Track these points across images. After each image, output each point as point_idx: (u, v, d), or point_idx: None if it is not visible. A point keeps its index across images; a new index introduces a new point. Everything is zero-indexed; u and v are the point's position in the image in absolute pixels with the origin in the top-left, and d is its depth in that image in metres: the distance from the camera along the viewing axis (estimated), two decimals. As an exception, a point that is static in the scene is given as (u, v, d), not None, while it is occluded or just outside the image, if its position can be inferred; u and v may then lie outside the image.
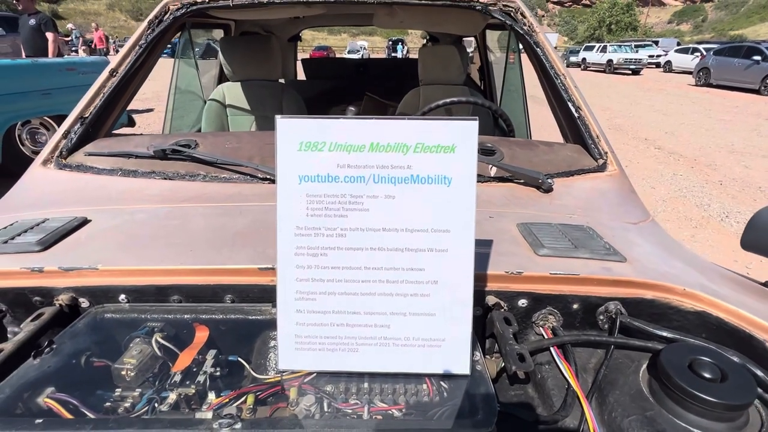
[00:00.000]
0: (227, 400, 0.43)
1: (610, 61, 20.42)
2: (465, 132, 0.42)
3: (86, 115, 1.06)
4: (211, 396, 0.44)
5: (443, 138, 0.42)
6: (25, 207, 0.84)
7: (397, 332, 0.44)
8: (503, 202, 0.84)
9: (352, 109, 1.09)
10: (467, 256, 0.43)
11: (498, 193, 0.87)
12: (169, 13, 1.21)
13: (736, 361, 0.47)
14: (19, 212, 0.81)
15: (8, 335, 0.58)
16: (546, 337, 0.56)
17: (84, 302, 0.57)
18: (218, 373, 0.47)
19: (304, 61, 2.80)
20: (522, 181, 0.89)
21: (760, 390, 0.45)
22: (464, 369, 0.44)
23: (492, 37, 2.21)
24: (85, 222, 0.72)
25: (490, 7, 1.19)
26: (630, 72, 19.90)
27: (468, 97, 1.22)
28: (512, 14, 1.19)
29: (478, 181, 0.86)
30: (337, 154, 0.42)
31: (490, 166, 0.90)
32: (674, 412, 0.45)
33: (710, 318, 0.54)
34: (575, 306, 0.58)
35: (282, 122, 0.42)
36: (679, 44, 29.41)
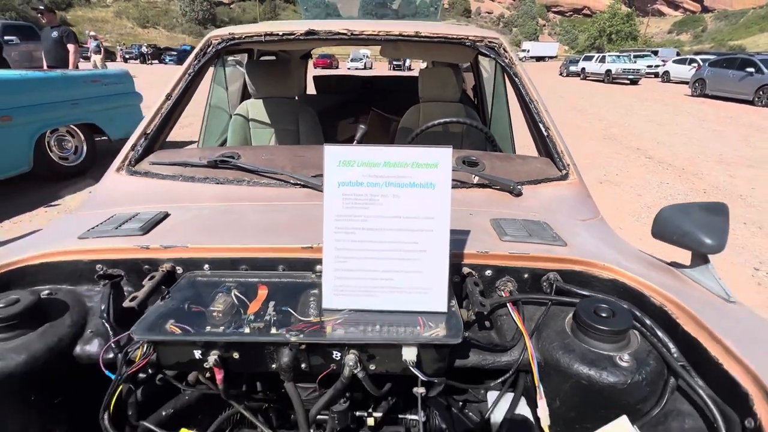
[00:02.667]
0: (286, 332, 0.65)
1: (608, 71, 20.76)
2: (443, 155, 0.66)
3: (148, 131, 1.31)
4: (273, 330, 0.67)
5: (429, 159, 0.66)
6: (111, 204, 1.09)
7: (399, 283, 0.68)
8: (481, 203, 1.08)
9: (362, 127, 1.32)
10: (444, 233, 0.67)
11: (478, 196, 1.11)
12: (212, 46, 1.48)
13: (623, 307, 0.71)
14: (108, 208, 1.05)
15: (125, 292, 0.82)
16: (504, 296, 0.79)
17: (179, 269, 0.81)
18: (275, 318, 0.70)
19: (315, 77, 3.07)
20: (498, 187, 1.13)
21: (635, 323, 0.68)
22: (443, 308, 0.68)
23: (484, 59, 2.47)
24: (167, 215, 0.96)
25: (477, 43, 1.45)
26: (628, 82, 20.23)
27: (459, 118, 1.46)
28: (496, 49, 1.45)
29: (462, 187, 1.11)
30: (362, 168, 0.66)
31: (473, 175, 1.14)
32: (582, 339, 0.68)
33: (618, 283, 0.78)
34: (526, 275, 0.82)
35: (328, 148, 0.66)
36: (678, 54, 29.77)
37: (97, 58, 10.78)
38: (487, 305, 0.72)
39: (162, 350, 0.66)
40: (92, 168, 4.26)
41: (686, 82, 16.07)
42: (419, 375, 0.63)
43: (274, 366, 0.66)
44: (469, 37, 1.45)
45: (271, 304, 0.71)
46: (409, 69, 29.62)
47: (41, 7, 5.94)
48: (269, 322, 0.67)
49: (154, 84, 4.96)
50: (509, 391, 0.79)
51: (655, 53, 29.45)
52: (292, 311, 0.70)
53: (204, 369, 0.67)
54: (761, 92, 11.80)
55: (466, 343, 0.73)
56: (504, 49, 1.45)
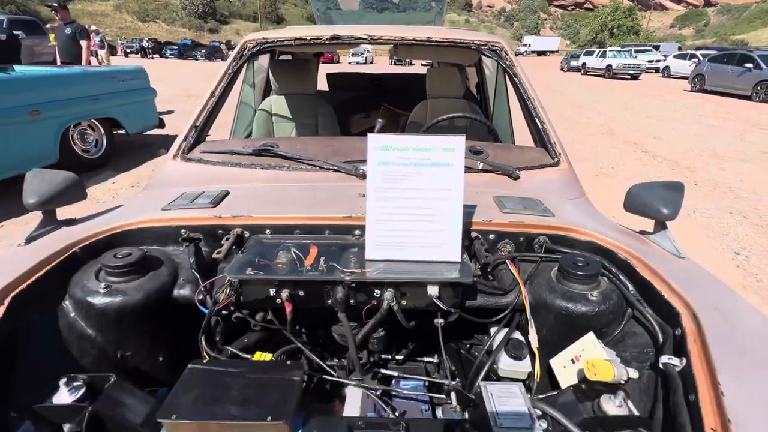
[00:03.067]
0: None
1: (609, 66, 20.85)
2: (459, 141, 0.87)
3: (197, 124, 1.52)
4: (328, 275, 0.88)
5: (448, 145, 0.87)
6: (173, 185, 1.29)
7: (424, 240, 0.89)
8: (485, 185, 1.29)
9: (380, 121, 1.52)
10: (459, 201, 0.88)
11: (482, 180, 1.32)
12: (247, 49, 1.68)
13: (595, 259, 0.92)
14: (172, 188, 1.25)
15: (203, 251, 1.03)
16: (504, 254, 1.00)
17: (246, 233, 1.02)
18: (326, 268, 0.90)
19: (328, 74, 3.26)
20: (499, 172, 1.34)
21: (604, 270, 0.90)
22: (457, 258, 0.89)
23: (487, 59, 2.67)
24: (228, 192, 1.17)
25: (481, 47, 1.65)
26: (629, 77, 20.32)
27: (466, 113, 1.67)
28: (498, 51, 1.65)
29: (469, 172, 1.32)
30: (396, 152, 0.87)
31: (479, 162, 1.35)
32: (563, 283, 0.90)
33: (593, 244, 0.99)
34: (521, 239, 1.03)
35: (371, 136, 0.87)
36: (680, 48, 29.73)
37: (102, 53, 10.89)
38: (490, 258, 0.93)
39: (245, 289, 0.87)
40: (112, 160, 4.46)
41: (687, 78, 16.19)
42: (441, 305, 0.84)
43: (329, 301, 0.88)
44: (474, 41, 1.66)
45: (322, 258, 0.92)
46: (410, 64, 29.68)
47: (55, 4, 6.10)
48: (322, 271, 0.88)
49: (160, 78, 5.14)
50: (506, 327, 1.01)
51: (657, 48, 29.47)
52: (336, 265, 0.90)
53: (276, 305, 0.88)
54: (759, 88, 11.95)
55: (475, 288, 0.94)
56: (505, 52, 1.65)
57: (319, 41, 1.68)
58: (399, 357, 1.05)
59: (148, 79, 5.01)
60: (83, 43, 6.18)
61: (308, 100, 2.28)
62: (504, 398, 0.68)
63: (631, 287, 0.88)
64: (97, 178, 4.01)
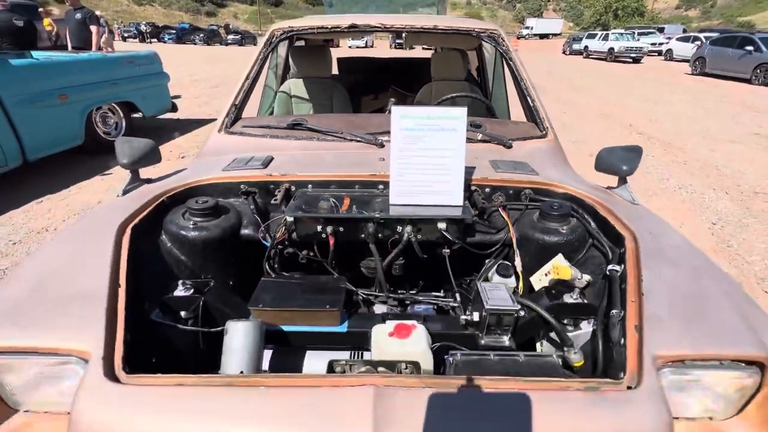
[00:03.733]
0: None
1: (611, 49, 20.73)
2: (462, 111, 1.12)
3: (237, 103, 1.77)
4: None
5: (454, 114, 1.12)
6: (221, 153, 1.55)
7: (435, 188, 1.15)
8: (484, 152, 1.54)
9: (393, 100, 1.76)
10: (462, 158, 1.14)
11: (481, 148, 1.57)
12: (276, 37, 1.91)
13: (566, 203, 1.19)
14: (222, 156, 1.51)
15: (257, 201, 1.29)
16: (497, 203, 1.27)
17: (293, 188, 1.29)
18: (359, 212, 1.17)
19: (339, 59, 3.47)
20: (495, 142, 1.59)
21: (573, 212, 1.16)
22: (460, 202, 1.16)
23: (487, 45, 2.89)
24: (272, 158, 1.43)
25: (481, 34, 1.89)
26: (631, 60, 20.24)
27: (467, 93, 1.91)
28: (495, 38, 1.88)
29: (469, 142, 1.58)
30: (414, 120, 1.13)
31: (478, 134, 1.61)
32: (542, 222, 1.17)
33: (568, 195, 1.26)
34: (511, 191, 1.29)
35: (395, 108, 1.13)
36: (685, 31, 29.34)
37: (104, 38, 10.96)
38: (486, 205, 1.20)
39: (299, 226, 1.14)
40: (131, 142, 4.70)
41: (689, 61, 16.17)
42: (447, 236, 1.11)
43: (362, 235, 1.15)
44: (475, 29, 1.89)
45: (354, 205, 1.19)
46: (411, 48, 29.45)
47: (66, -10, 6.22)
48: (357, 212, 1.15)
49: (163, 64, 5.30)
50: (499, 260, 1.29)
51: (661, 30, 29.14)
52: (365, 212, 1.17)
53: (321, 239, 1.15)
54: (758, 71, 12.02)
55: (473, 227, 1.21)
56: (502, 39, 1.88)
57: (339, 29, 1.92)
58: (413, 291, 1.33)
59: (162, 64, 5.20)
60: (93, 28, 6.32)
61: (324, 83, 2.51)
62: (493, 291, 0.96)
63: (593, 224, 1.15)
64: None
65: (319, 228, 1.14)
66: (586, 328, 0.97)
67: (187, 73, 11.86)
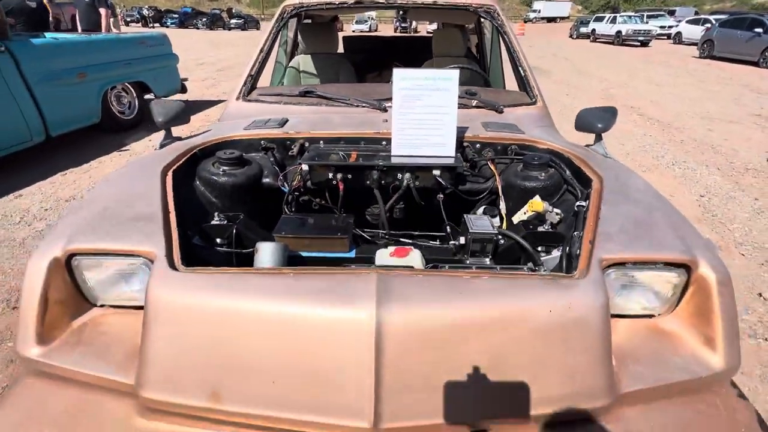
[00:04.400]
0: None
1: (618, 32, 20.41)
2: (454, 74, 1.29)
3: (252, 74, 1.93)
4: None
5: (447, 75, 1.29)
6: (241, 117, 1.73)
7: (431, 141, 1.33)
8: (477, 116, 1.71)
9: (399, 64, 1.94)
10: (454, 115, 1.31)
11: (475, 112, 1.74)
12: (287, 13, 2.06)
13: (545, 155, 1.36)
14: (242, 119, 1.69)
15: (275, 156, 1.47)
16: (486, 157, 1.45)
17: (306, 144, 1.47)
18: (365, 163, 1.35)
19: (344, 38, 3.60)
20: (488, 107, 1.76)
21: (551, 163, 1.34)
22: (452, 153, 1.33)
23: (486, 22, 3.01)
24: (287, 119, 1.61)
25: (477, 9, 2.03)
26: (639, 44, 19.95)
27: (467, 65, 2.06)
28: (491, 13, 2.03)
29: (465, 108, 1.76)
30: (412, 81, 1.30)
31: (472, 100, 1.77)
32: (524, 170, 1.34)
33: (549, 150, 1.43)
34: (499, 147, 1.46)
35: (396, 70, 1.30)
36: (697, 13, 28.69)
37: (112, 21, 11.03)
38: (476, 158, 1.37)
39: (312, 174, 1.32)
40: (143, 121, 4.88)
41: (697, 44, 15.95)
42: (442, 182, 1.29)
43: (368, 182, 1.33)
44: (472, 5, 2.03)
45: (361, 158, 1.37)
46: (415, 31, 29.15)
47: (75, -27, 6.31)
48: (363, 162, 1.33)
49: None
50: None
51: (672, 13, 28.51)
52: (370, 163, 1.35)
53: (332, 185, 1.33)
54: (766, 53, 11.89)
55: (464, 176, 1.39)
56: (497, 14, 2.03)
57: (346, 5, 2.06)
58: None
59: (171, 45, 5.33)
60: (102, 11, 6.42)
61: (331, 59, 2.67)
62: (478, 221, 1.15)
63: (568, 172, 1.32)
64: (135, 136, 4.45)
65: (330, 175, 1.32)
66: (556, 253, 1.16)
67: (192, 57, 11.93)
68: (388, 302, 0.76)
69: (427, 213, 1.42)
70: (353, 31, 33.84)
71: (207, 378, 0.79)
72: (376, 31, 34.72)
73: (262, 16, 50.90)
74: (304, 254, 1.19)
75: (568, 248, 1.06)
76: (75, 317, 0.96)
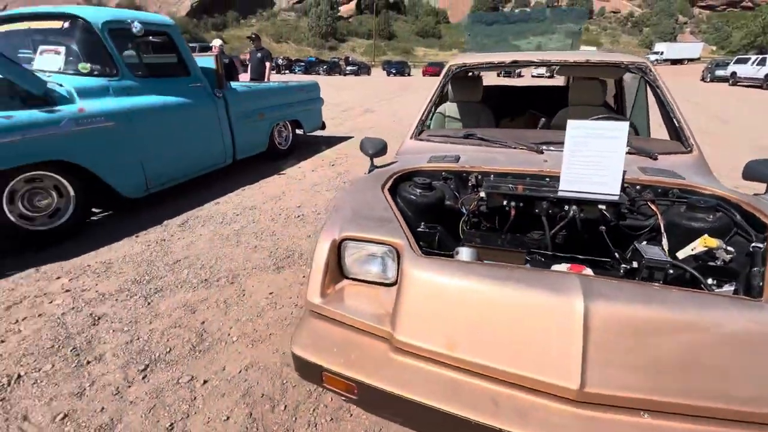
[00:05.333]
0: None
1: (768, 75, 17.77)
2: (624, 125, 1.52)
3: (423, 119, 2.40)
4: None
5: (618, 126, 1.53)
6: (416, 153, 2.16)
7: (597, 180, 1.56)
8: (633, 161, 1.88)
9: (544, 119, 2.21)
10: (621, 158, 1.52)
11: (630, 158, 1.90)
12: (451, 71, 2.52)
13: (713, 200, 1.47)
14: (418, 155, 2.12)
15: (453, 183, 1.84)
16: (646, 198, 1.60)
17: (479, 176, 1.81)
18: (538, 193, 1.62)
19: (484, 86, 4.04)
20: (643, 154, 1.91)
21: (719, 208, 1.45)
22: (617, 191, 1.54)
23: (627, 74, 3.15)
24: (459, 156, 1.98)
25: (630, 66, 2.23)
26: (796, 88, 17.05)
27: (611, 114, 2.25)
28: (643, 69, 2.21)
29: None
30: (579, 130, 1.56)
31: (629, 147, 1.95)
32: (689, 212, 1.48)
33: (714, 194, 1.53)
34: (659, 190, 1.62)
35: (570, 122, 1.58)
36: None
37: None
38: (637, 197, 1.55)
39: (489, 200, 1.64)
40: (294, 151, 5.91)
41: None
42: (606, 215, 1.49)
43: (537, 210, 1.60)
44: (624, 62, 2.24)
45: (528, 190, 1.65)
46: (519, 76, 29.29)
47: (253, 36, 8.13)
48: (536, 193, 1.60)
49: None
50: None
51: None
52: (542, 194, 1.62)
53: (504, 211, 1.63)
54: None
55: (626, 213, 1.56)
56: (649, 70, 2.20)
57: (503, 64, 2.45)
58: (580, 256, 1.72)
59: (320, 91, 6.44)
60: (267, 64, 8.08)
61: (474, 106, 3.07)
62: (650, 250, 1.32)
63: (738, 217, 1.41)
64: (288, 163, 5.43)
65: (504, 203, 1.63)
66: (728, 288, 1.26)
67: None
68: (592, 294, 1.01)
69: (587, 242, 1.62)
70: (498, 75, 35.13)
71: (446, 332, 1.11)
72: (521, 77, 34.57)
73: (373, 63, 56.18)
74: (487, 262, 1.49)
75: (746, 287, 1.17)
76: (335, 283, 1.39)
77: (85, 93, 3.16)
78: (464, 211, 1.72)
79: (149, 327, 2.09)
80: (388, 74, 39.25)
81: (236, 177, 4.75)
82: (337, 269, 1.40)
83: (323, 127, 6.63)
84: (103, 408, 1.59)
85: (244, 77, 7.91)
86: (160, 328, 2.09)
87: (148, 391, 1.68)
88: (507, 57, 2.46)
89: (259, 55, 8.11)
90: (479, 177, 1.81)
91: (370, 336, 1.23)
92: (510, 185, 1.68)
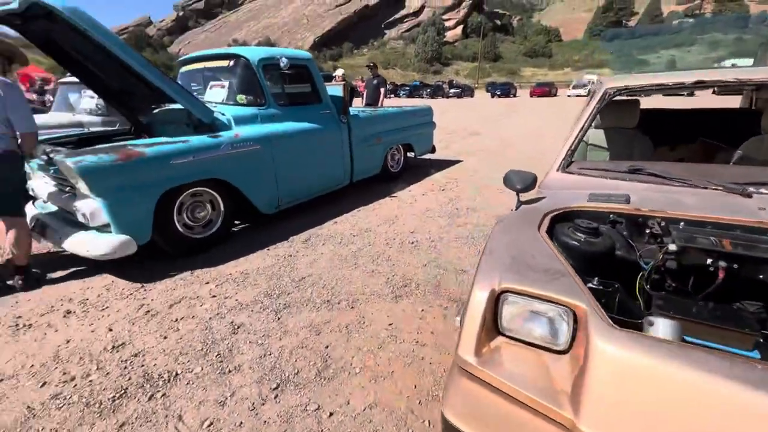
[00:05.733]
0: None
1: None
2: None
3: (572, 148, 2.11)
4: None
5: None
6: (562, 188, 1.88)
7: None
8: None
9: (739, 152, 1.74)
10: None
11: None
12: (608, 95, 2.18)
13: None
14: (565, 190, 1.83)
15: (623, 233, 1.53)
16: None
17: (662, 223, 1.46)
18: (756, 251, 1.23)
19: (641, 109, 3.54)
20: None
21: None
22: None
23: None
24: (629, 195, 1.65)
25: None
26: None
27: None
28: None
29: None
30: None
31: None
32: None
33: None
34: None
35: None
36: None
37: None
38: None
39: (685, 256, 1.30)
40: (403, 174, 5.98)
41: None
42: None
43: (761, 276, 1.21)
44: None
45: (739, 247, 1.25)
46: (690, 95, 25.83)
47: (371, 65, 8.66)
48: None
49: None
50: None
51: None
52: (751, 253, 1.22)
53: (706, 271, 1.27)
54: None
55: None
56: None
57: (667, 86, 2.04)
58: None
59: (433, 115, 6.47)
60: (381, 89, 8.48)
61: (625, 132, 2.64)
62: None
63: None
64: (399, 186, 5.50)
65: (708, 261, 1.27)
66: None
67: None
68: None
69: None
70: (568, 95, 32.93)
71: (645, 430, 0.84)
72: (587, 95, 32.56)
73: (476, 85, 55.71)
74: (689, 339, 1.16)
75: None
76: (490, 339, 1.21)
77: (239, 120, 3.63)
78: (643, 265, 1.40)
79: (279, 344, 2.18)
80: (492, 96, 38.34)
81: (351, 198, 4.96)
82: (492, 324, 1.23)
83: (433, 150, 6.61)
84: (241, 423, 1.66)
85: (357, 102, 8.44)
86: (288, 346, 2.16)
87: (279, 413, 1.71)
88: (667, 79, 2.04)
89: (375, 81, 8.56)
90: (662, 224, 1.47)
91: (541, 417, 1.02)
92: (712, 238, 1.32)
